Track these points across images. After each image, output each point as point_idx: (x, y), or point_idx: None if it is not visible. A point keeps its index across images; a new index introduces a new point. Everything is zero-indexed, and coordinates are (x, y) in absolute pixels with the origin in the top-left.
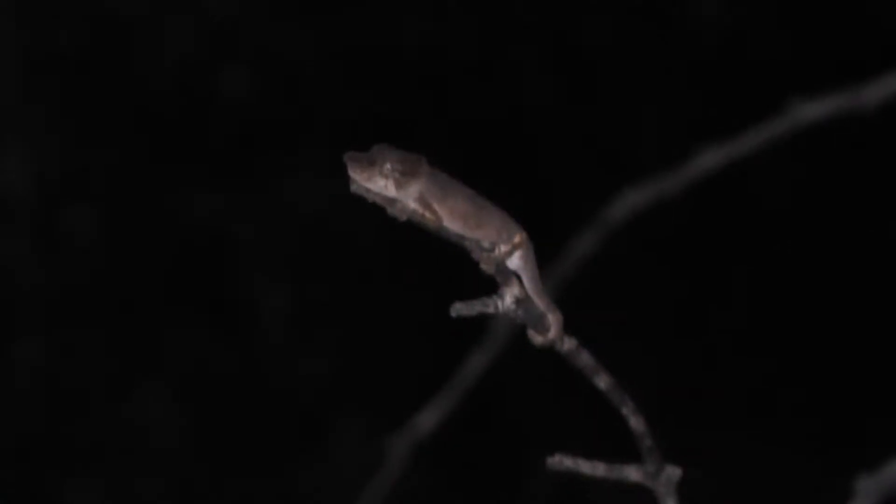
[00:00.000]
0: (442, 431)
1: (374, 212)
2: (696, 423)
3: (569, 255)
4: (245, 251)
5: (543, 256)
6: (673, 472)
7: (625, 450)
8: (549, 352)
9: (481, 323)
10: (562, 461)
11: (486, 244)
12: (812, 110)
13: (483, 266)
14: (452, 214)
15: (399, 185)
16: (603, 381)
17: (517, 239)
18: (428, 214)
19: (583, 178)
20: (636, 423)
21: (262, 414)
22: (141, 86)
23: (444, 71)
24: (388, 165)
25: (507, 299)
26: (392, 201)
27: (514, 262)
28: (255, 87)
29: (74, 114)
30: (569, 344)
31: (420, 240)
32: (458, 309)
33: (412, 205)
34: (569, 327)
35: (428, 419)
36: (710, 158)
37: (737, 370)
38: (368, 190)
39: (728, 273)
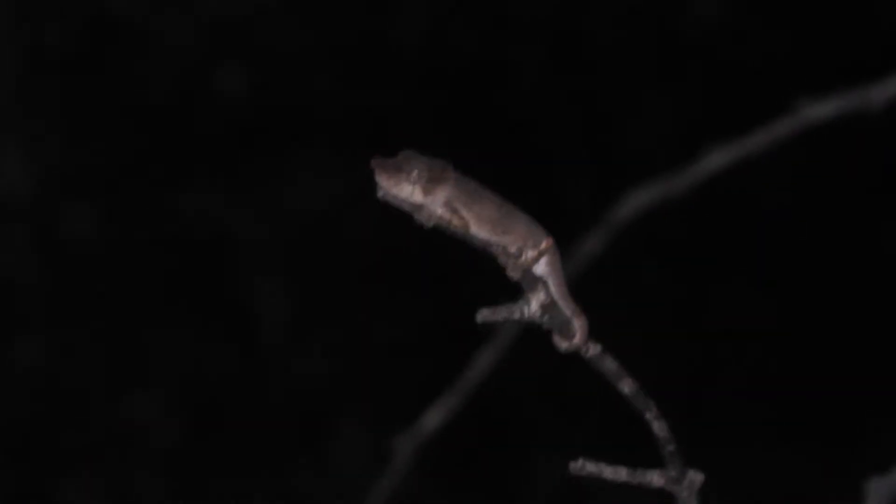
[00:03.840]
0: (447, 431)
1: (373, 212)
2: (699, 424)
3: (574, 256)
4: (245, 251)
5: None
6: (695, 478)
7: (626, 448)
8: (574, 357)
9: (481, 326)
10: (584, 466)
11: (512, 250)
12: (819, 110)
13: (510, 272)
14: (479, 220)
15: (426, 192)
16: (627, 387)
17: (544, 245)
18: (455, 220)
19: (588, 179)
20: (659, 428)
21: (262, 414)
22: (140, 85)
23: (444, 70)
24: (415, 172)
25: (534, 305)
26: (419, 207)
27: (541, 267)
28: (254, 86)
29: (74, 114)
30: (594, 349)
31: (419, 240)
32: (485, 315)
33: (439, 211)
34: (592, 332)
35: (433, 419)
36: (717, 159)
37: (740, 371)
38: (396, 196)
39: (732, 274)
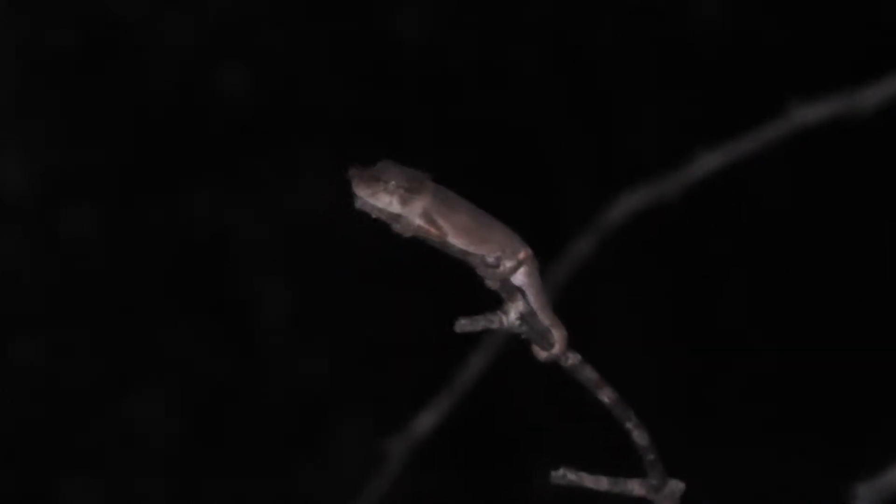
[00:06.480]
0: (441, 433)
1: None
2: (695, 428)
3: (566, 259)
4: (245, 251)
5: (541, 260)
6: (676, 487)
7: (625, 455)
8: (554, 366)
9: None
10: (565, 475)
11: (490, 260)
12: (811, 113)
13: (488, 282)
14: (457, 230)
15: (404, 202)
16: (607, 396)
17: (522, 255)
18: (433, 230)
19: (581, 181)
20: (639, 436)
21: (262, 414)
22: (140, 85)
23: (444, 71)
24: (392, 182)
25: (512, 315)
26: (397, 217)
27: (519, 277)
28: (255, 86)
29: (74, 114)
30: (573, 359)
31: (419, 239)
32: (463, 325)
33: (417, 221)
34: (572, 340)
35: (426, 421)
36: (708, 161)
37: (735, 377)
38: (373, 206)
39: (726, 277)
